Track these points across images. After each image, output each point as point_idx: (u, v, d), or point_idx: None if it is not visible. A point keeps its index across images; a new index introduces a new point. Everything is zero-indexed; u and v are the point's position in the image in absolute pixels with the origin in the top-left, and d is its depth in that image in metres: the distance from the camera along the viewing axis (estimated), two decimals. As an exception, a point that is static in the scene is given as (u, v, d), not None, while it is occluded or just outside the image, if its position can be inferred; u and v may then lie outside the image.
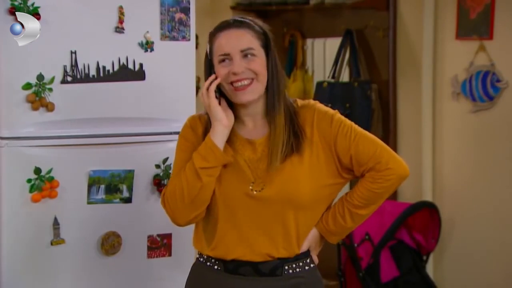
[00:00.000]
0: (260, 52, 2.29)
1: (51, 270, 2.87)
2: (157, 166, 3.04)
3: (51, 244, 2.83)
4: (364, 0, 4.36)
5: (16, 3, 2.71)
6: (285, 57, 4.77)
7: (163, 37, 3.05)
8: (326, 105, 2.35)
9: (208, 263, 2.36)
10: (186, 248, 3.08)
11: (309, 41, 4.78)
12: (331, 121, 2.30)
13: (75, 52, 2.84)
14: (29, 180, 2.78)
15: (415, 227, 4.13)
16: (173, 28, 3.07)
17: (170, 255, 3.09)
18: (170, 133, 3.05)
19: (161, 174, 3.03)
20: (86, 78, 2.87)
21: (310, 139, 2.30)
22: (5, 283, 2.78)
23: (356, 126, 2.32)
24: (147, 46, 3.01)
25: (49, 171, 2.81)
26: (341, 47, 4.52)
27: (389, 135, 4.45)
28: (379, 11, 4.37)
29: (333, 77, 4.54)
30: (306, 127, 2.31)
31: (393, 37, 4.40)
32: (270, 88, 2.31)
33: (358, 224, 2.36)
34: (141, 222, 3.02)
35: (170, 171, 3.08)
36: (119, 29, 2.94)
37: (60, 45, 2.82)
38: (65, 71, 2.84)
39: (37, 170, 2.79)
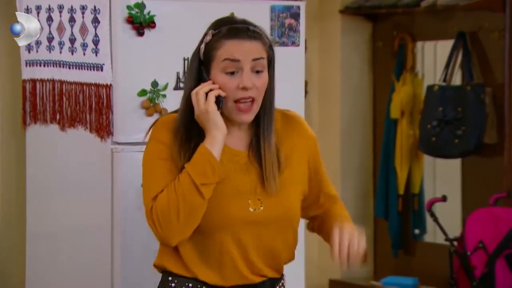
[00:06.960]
0: (266, 66, 2.14)
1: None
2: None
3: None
4: (479, 2, 4.25)
5: (133, 12, 2.78)
6: (394, 61, 4.71)
7: (273, 43, 3.04)
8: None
9: None
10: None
11: (419, 44, 4.70)
12: (315, 142, 2.22)
13: (187, 59, 2.87)
14: (143, 185, 2.83)
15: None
16: (283, 33, 3.07)
17: None
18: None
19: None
20: (198, 85, 2.91)
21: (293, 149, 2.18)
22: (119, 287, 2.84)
23: None
24: (258, 52, 3.02)
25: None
26: (453, 50, 4.42)
27: (503, 141, 4.31)
28: (494, 12, 4.25)
29: (444, 80, 4.45)
30: (293, 137, 2.19)
31: (509, 39, 4.26)
32: (268, 107, 2.14)
33: None
34: None
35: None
36: (230, 35, 2.96)
37: (173, 53, 2.87)
38: (178, 77, 2.89)
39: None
